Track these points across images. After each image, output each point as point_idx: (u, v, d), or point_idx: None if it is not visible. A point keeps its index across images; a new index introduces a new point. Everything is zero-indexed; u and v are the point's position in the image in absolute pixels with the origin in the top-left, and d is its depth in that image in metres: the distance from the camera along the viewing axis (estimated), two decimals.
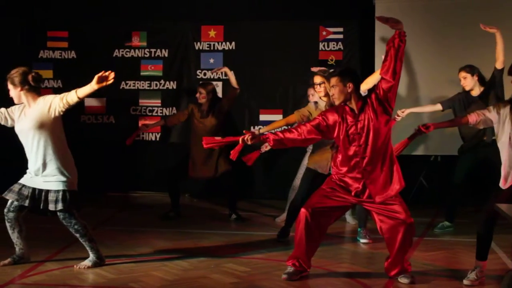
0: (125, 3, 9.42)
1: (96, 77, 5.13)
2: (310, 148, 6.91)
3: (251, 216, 7.90)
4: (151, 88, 9.40)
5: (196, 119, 7.75)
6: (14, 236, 5.52)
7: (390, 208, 5.00)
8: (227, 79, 8.17)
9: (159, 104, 9.37)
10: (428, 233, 7.01)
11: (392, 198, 5.01)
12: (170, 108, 9.36)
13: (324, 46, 9.13)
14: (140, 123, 9.05)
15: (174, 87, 9.38)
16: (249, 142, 5.04)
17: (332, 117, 5.09)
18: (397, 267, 5.11)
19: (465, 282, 5.01)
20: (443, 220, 7.12)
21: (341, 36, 9.11)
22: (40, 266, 5.45)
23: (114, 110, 9.44)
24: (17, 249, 5.52)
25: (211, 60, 9.29)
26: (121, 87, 9.31)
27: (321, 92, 6.44)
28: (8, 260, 5.45)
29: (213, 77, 9.28)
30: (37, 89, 5.36)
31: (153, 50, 9.39)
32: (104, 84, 5.16)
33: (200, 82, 8.35)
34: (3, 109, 5.48)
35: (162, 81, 9.39)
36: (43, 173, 5.32)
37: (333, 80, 5.06)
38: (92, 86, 5.18)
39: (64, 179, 5.29)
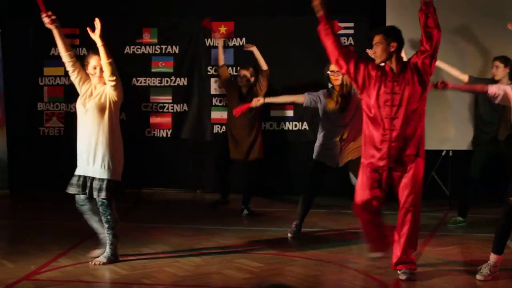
0: (136, 0, 9.43)
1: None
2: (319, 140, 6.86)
3: (264, 212, 7.90)
4: (162, 84, 9.41)
5: (235, 101, 7.76)
6: (96, 226, 5.56)
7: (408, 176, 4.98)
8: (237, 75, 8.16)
9: (170, 101, 9.38)
10: (441, 228, 6.98)
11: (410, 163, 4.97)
12: (181, 105, 9.36)
13: None
14: None
15: (185, 83, 9.39)
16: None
17: (373, 71, 5.02)
18: (398, 256, 5.07)
19: (478, 277, 4.98)
20: (455, 215, 7.10)
21: (351, 31, 9.07)
22: (53, 262, 5.47)
23: (125, 107, 9.31)
24: (101, 237, 5.55)
25: None
26: (132, 84, 9.33)
27: (337, 81, 6.44)
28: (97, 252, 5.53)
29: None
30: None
31: (164, 46, 9.40)
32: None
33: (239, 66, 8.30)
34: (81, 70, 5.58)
35: (173, 78, 9.40)
36: (91, 160, 5.37)
37: (377, 38, 5.01)
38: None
39: (107, 169, 5.33)
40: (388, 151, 4.96)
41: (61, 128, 9.54)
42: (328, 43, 5.14)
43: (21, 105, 9.57)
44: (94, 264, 5.37)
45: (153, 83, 9.41)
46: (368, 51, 7.16)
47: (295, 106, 9.11)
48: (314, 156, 6.66)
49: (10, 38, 9.41)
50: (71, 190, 5.46)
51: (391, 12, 8.35)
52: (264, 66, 8.00)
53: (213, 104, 9.31)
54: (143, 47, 9.42)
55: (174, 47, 9.39)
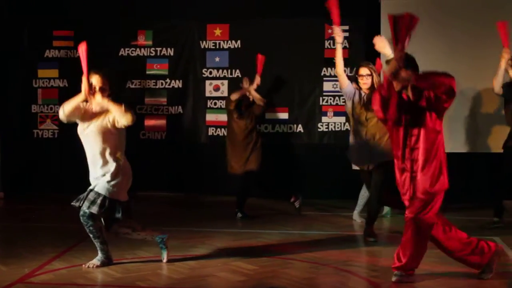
0: (131, 2, 9.43)
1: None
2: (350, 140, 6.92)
3: (258, 214, 7.88)
4: (157, 87, 9.41)
5: (233, 119, 7.77)
6: (134, 236, 5.56)
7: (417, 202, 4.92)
8: (233, 77, 8.17)
9: (165, 103, 9.37)
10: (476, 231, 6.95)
11: (428, 194, 4.88)
12: (176, 107, 9.36)
13: (329, 44, 9.11)
14: None
15: (180, 86, 9.38)
16: None
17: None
18: (395, 259, 5.04)
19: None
20: (490, 218, 7.12)
21: (346, 34, 9.07)
22: (47, 265, 5.44)
23: None
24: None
25: (217, 59, 9.29)
26: (127, 86, 9.32)
27: (366, 84, 6.40)
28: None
29: (219, 75, 9.28)
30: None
31: (158, 49, 9.40)
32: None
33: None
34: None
35: (168, 80, 9.40)
36: (97, 177, 5.34)
37: None
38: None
39: (108, 186, 5.27)
40: (410, 183, 4.92)
41: (55, 130, 9.52)
42: (392, 101, 4.92)
43: (15, 107, 9.54)
44: (88, 267, 5.35)
45: (148, 85, 9.40)
46: (364, 78, 7.27)
47: (290, 108, 9.12)
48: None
49: (4, 40, 9.38)
50: (93, 209, 5.33)
51: (385, 15, 8.36)
52: (259, 101, 7.87)
53: (208, 106, 9.32)
54: (138, 49, 9.42)
55: (169, 49, 9.39)
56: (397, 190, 5.02)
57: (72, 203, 5.38)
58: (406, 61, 4.94)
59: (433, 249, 5.38)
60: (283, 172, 9.14)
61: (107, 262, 5.41)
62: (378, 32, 8.38)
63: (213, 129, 9.30)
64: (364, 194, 7.40)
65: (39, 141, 9.54)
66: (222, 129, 9.26)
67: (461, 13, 8.23)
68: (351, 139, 6.55)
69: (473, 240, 5.04)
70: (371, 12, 8.66)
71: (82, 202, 5.28)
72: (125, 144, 5.44)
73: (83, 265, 5.38)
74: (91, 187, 5.34)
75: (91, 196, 5.28)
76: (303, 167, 9.16)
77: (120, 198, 5.35)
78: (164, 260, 5.52)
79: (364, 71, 6.41)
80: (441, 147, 4.92)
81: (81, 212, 5.30)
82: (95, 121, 5.32)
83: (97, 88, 5.31)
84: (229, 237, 6.61)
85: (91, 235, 5.39)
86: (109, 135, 5.29)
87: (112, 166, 5.29)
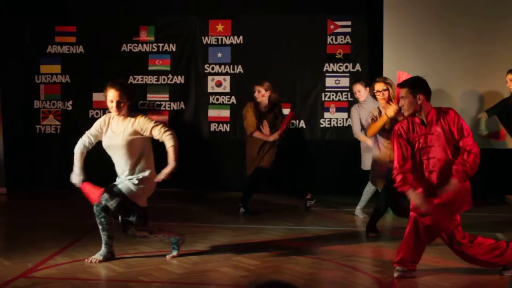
0: None
1: (161, 177, 5.17)
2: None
3: (260, 210, 7.88)
4: (159, 82, 9.41)
5: (256, 121, 7.70)
6: (152, 239, 5.61)
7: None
8: (235, 73, 8.15)
9: (167, 99, 9.38)
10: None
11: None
12: (178, 103, 9.36)
13: (332, 40, 9.11)
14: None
15: (182, 81, 9.39)
16: None
17: (404, 132, 4.98)
18: (397, 255, 5.06)
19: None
20: (490, 214, 7.13)
21: (349, 30, 9.09)
22: (50, 260, 5.46)
23: None
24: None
25: (219, 55, 9.29)
26: (129, 82, 9.33)
27: (383, 100, 6.48)
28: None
29: (221, 71, 9.28)
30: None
31: (161, 44, 9.40)
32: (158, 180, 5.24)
33: (256, 81, 7.91)
34: (90, 134, 5.51)
35: (170, 76, 9.40)
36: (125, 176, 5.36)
37: (403, 92, 4.94)
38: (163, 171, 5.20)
39: (132, 187, 5.29)
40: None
41: (58, 126, 9.53)
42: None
43: (18, 103, 9.55)
44: (90, 261, 5.37)
45: (150, 81, 9.41)
46: (355, 86, 7.53)
47: (292, 104, 9.12)
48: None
49: (6, 36, 9.39)
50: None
51: (388, 10, 8.37)
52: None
53: (210, 102, 9.32)
54: (140, 45, 9.42)
55: (171, 45, 9.39)
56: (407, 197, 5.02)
57: None
58: (418, 85, 4.95)
59: (435, 244, 5.39)
60: (285, 168, 9.13)
61: (109, 257, 5.43)
62: (380, 27, 8.39)
63: (215, 125, 9.31)
64: (368, 190, 7.41)
65: (42, 136, 9.55)
66: (224, 125, 9.27)
67: (465, 9, 8.22)
68: (377, 153, 6.58)
69: (500, 243, 5.04)
70: (374, 7, 8.66)
71: (101, 195, 5.31)
72: (152, 152, 5.45)
73: (86, 260, 5.40)
74: (115, 183, 5.38)
75: (113, 191, 5.31)
76: (305, 163, 9.17)
77: (140, 203, 5.37)
78: (169, 257, 5.53)
79: (380, 86, 6.55)
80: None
81: (98, 206, 5.33)
82: (121, 133, 5.33)
83: (115, 103, 5.30)
84: (232, 233, 6.62)
85: (100, 227, 5.40)
86: (136, 145, 5.32)
87: (140, 172, 5.33)
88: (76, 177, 5.40)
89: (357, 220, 7.41)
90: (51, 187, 9.34)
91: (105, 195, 5.29)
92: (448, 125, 4.89)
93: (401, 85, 5.05)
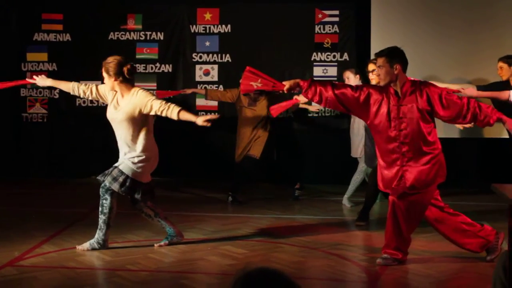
0: None
1: (206, 118, 5.28)
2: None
3: (248, 199, 7.90)
4: (147, 71, 9.38)
5: (243, 106, 7.73)
6: (155, 222, 5.62)
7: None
8: (223, 62, 8.13)
9: (155, 87, 9.34)
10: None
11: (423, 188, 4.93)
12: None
13: (320, 29, 9.11)
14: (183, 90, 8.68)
15: (170, 70, 9.36)
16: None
17: (375, 96, 4.96)
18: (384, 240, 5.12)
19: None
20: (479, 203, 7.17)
21: (336, 19, 9.09)
22: (37, 248, 5.45)
23: None
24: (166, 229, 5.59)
25: (207, 43, 9.26)
26: None
27: (374, 80, 6.54)
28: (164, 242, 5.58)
29: (209, 60, 9.26)
30: (131, 80, 5.40)
31: (148, 33, 9.35)
32: (207, 124, 5.25)
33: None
34: (93, 86, 5.55)
35: (158, 64, 9.36)
36: (125, 156, 5.37)
37: (380, 61, 4.93)
38: (196, 120, 5.27)
39: (133, 166, 5.30)
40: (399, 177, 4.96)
41: (45, 114, 9.47)
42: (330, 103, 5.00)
43: (4, 91, 9.45)
44: (82, 249, 5.36)
45: (138, 70, 9.35)
46: (345, 72, 7.38)
47: (279, 93, 9.11)
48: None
49: None
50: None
51: (376, 0, 8.36)
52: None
53: None
54: (127, 33, 9.37)
55: (159, 33, 9.35)
56: None
57: (97, 177, 5.44)
58: (395, 55, 4.95)
59: (423, 232, 5.42)
60: (276, 159, 9.15)
61: (96, 247, 5.38)
62: (368, 17, 8.40)
63: (203, 114, 9.28)
64: (356, 179, 7.42)
65: (28, 125, 9.49)
66: (212, 114, 9.26)
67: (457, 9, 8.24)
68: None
69: (476, 224, 5.09)
70: None
71: (106, 177, 5.32)
72: (152, 128, 5.46)
73: (77, 247, 5.39)
74: (116, 164, 5.39)
75: (115, 173, 5.33)
76: (293, 152, 9.18)
77: (143, 180, 5.39)
78: (157, 245, 5.53)
79: (370, 67, 6.67)
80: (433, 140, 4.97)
81: (102, 184, 5.35)
82: (123, 108, 5.34)
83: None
84: (219, 221, 6.63)
85: (100, 209, 5.38)
86: (136, 122, 5.32)
87: (138, 149, 5.33)
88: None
89: (344, 209, 7.44)
90: (38, 175, 9.30)
91: (109, 178, 5.30)
92: (428, 99, 4.83)
93: (378, 54, 5.03)
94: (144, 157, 5.34)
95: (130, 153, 5.35)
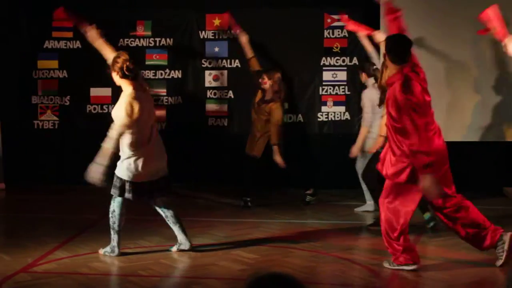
0: None
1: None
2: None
3: (259, 204, 7.89)
4: (156, 77, 9.41)
5: (255, 102, 7.82)
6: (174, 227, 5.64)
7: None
8: (232, 68, 8.13)
9: (165, 93, 9.38)
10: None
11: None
12: (176, 97, 9.36)
13: (329, 33, 9.11)
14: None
15: (180, 76, 9.38)
16: None
17: None
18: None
19: None
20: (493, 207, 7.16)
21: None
22: (50, 255, 5.48)
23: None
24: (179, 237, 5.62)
25: (216, 49, 9.28)
26: None
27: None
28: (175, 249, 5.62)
29: (218, 65, 9.29)
30: (130, 78, 5.38)
31: (158, 39, 9.39)
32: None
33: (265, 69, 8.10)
34: None
35: (167, 70, 9.39)
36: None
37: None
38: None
39: (124, 168, 5.31)
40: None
41: (56, 121, 9.52)
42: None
43: (15, 98, 9.54)
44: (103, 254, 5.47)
45: (147, 76, 9.39)
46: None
47: (289, 98, 9.12)
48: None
49: (3, 31, 9.38)
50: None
51: (384, 3, 8.35)
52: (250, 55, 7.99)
53: (208, 96, 9.32)
54: (137, 39, 9.41)
55: (168, 39, 9.38)
56: None
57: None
58: (385, 45, 4.96)
59: (437, 236, 5.41)
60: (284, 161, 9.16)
61: (109, 253, 5.42)
62: (377, 21, 8.40)
63: (213, 120, 9.31)
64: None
65: (40, 132, 9.54)
66: (222, 119, 9.28)
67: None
68: None
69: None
70: (370, 1, 8.63)
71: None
72: (148, 128, 5.40)
73: (99, 251, 5.49)
74: (115, 171, 5.43)
75: (114, 179, 5.39)
76: (303, 157, 9.18)
77: (138, 180, 5.34)
78: (174, 249, 5.58)
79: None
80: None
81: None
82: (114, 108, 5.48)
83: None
84: (230, 227, 6.64)
85: (109, 216, 5.42)
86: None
87: (126, 150, 5.32)
88: None
89: (354, 214, 7.39)
90: (49, 182, 9.34)
91: (112, 187, 5.35)
92: (393, 95, 4.67)
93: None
94: (132, 156, 5.28)
95: (121, 154, 5.36)
